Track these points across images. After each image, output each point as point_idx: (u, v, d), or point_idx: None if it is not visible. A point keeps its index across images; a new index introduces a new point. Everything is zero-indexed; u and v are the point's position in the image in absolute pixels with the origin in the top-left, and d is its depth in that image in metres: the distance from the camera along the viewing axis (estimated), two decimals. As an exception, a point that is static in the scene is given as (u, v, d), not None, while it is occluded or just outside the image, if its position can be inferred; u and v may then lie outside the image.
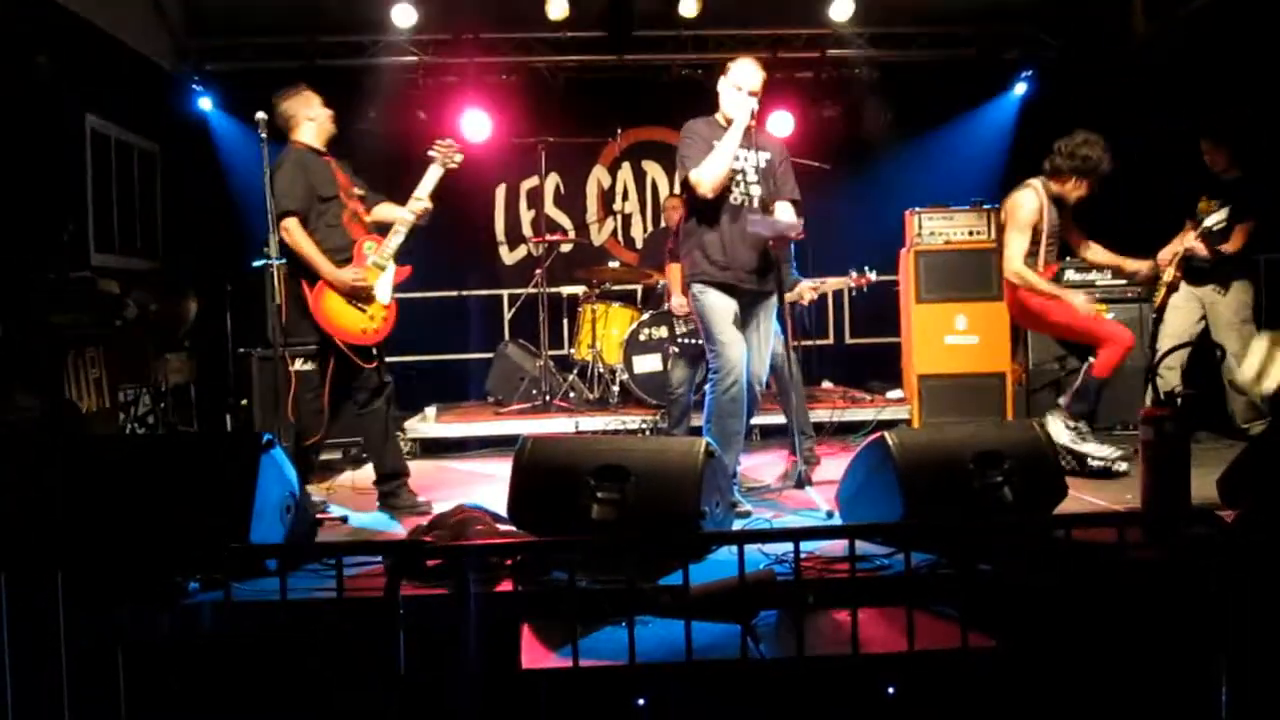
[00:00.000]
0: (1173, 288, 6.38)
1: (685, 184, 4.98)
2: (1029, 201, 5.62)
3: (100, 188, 7.86)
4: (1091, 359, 5.56)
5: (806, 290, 6.76)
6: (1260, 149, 6.29)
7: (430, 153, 5.22)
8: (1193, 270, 6.31)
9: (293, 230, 4.96)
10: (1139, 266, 5.98)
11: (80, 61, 7.43)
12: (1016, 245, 5.62)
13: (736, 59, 5.15)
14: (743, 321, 5.02)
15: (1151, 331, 6.95)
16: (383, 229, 5.23)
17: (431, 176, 5.20)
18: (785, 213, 5.06)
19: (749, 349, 5.00)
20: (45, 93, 4.79)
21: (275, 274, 4.92)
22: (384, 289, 5.15)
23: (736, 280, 5.00)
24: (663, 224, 8.93)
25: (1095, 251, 5.90)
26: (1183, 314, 6.35)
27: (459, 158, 5.24)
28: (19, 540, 3.78)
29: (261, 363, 6.88)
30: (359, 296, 5.06)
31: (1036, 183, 5.68)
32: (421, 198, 5.18)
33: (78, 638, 2.80)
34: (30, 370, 5.37)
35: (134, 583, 3.30)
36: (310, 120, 5.19)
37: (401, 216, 5.18)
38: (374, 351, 5.16)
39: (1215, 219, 6.23)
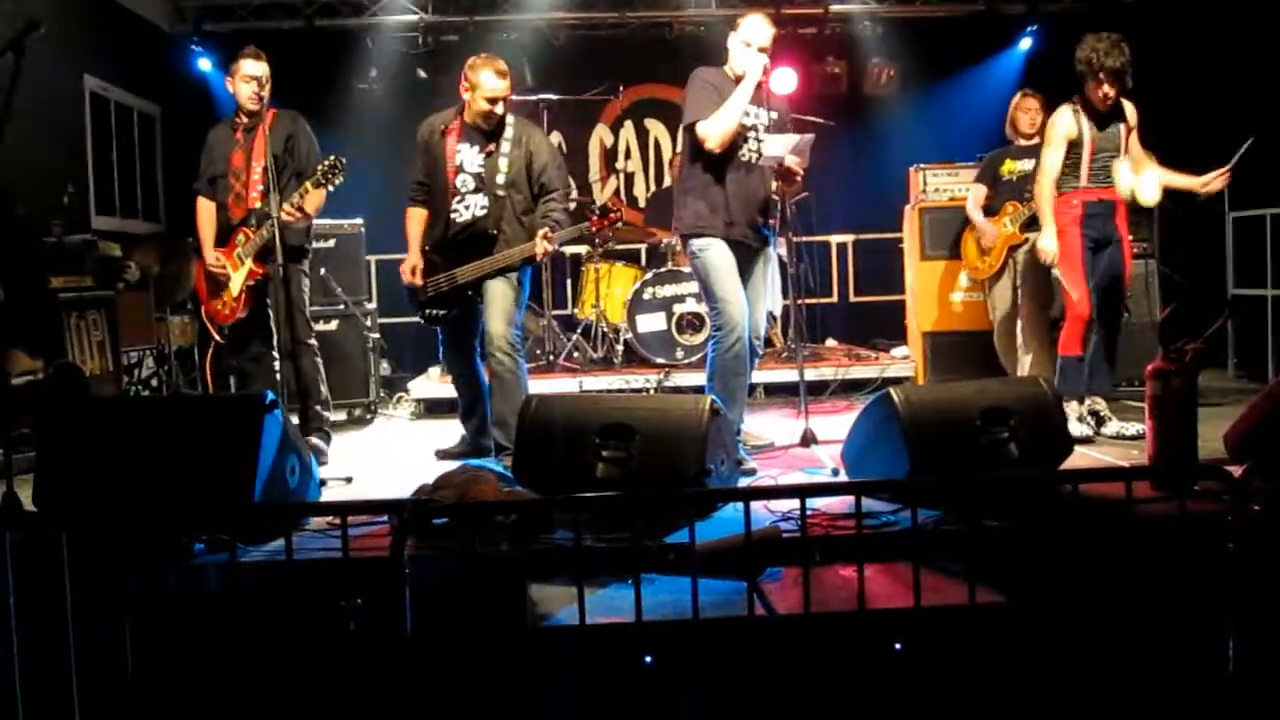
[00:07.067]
0: None
1: (690, 130, 4.90)
2: (1059, 117, 5.46)
3: (100, 150, 7.81)
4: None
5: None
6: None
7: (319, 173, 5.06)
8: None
9: (196, 205, 5.48)
10: (1207, 179, 5.38)
11: (77, 22, 7.36)
12: (1046, 161, 5.47)
13: (747, 14, 5.06)
14: (741, 276, 4.98)
15: (1162, 287, 6.86)
16: None
17: (315, 196, 5.14)
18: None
19: (748, 304, 4.97)
20: (43, 53, 4.79)
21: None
22: (237, 281, 5.33)
23: (742, 236, 4.99)
24: (667, 183, 8.83)
25: (1162, 175, 5.46)
26: None
27: (340, 180, 5.07)
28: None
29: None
30: (216, 281, 5.41)
31: (1071, 104, 5.48)
32: (292, 210, 5.10)
33: (84, 601, 2.80)
34: (31, 333, 5.37)
35: (139, 545, 3.30)
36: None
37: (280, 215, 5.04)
38: (225, 330, 5.49)
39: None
